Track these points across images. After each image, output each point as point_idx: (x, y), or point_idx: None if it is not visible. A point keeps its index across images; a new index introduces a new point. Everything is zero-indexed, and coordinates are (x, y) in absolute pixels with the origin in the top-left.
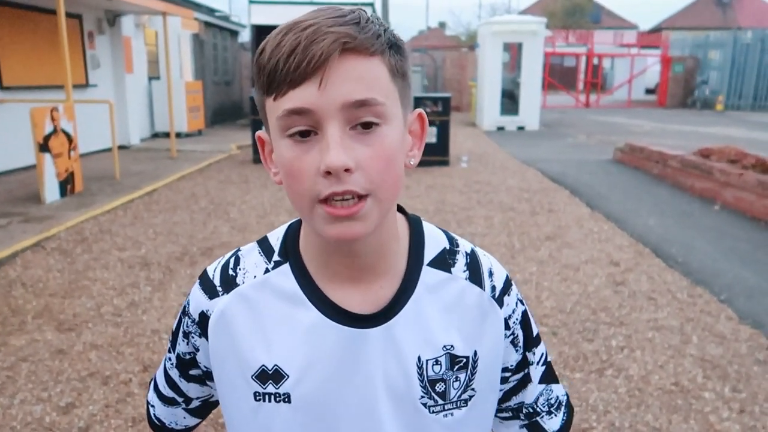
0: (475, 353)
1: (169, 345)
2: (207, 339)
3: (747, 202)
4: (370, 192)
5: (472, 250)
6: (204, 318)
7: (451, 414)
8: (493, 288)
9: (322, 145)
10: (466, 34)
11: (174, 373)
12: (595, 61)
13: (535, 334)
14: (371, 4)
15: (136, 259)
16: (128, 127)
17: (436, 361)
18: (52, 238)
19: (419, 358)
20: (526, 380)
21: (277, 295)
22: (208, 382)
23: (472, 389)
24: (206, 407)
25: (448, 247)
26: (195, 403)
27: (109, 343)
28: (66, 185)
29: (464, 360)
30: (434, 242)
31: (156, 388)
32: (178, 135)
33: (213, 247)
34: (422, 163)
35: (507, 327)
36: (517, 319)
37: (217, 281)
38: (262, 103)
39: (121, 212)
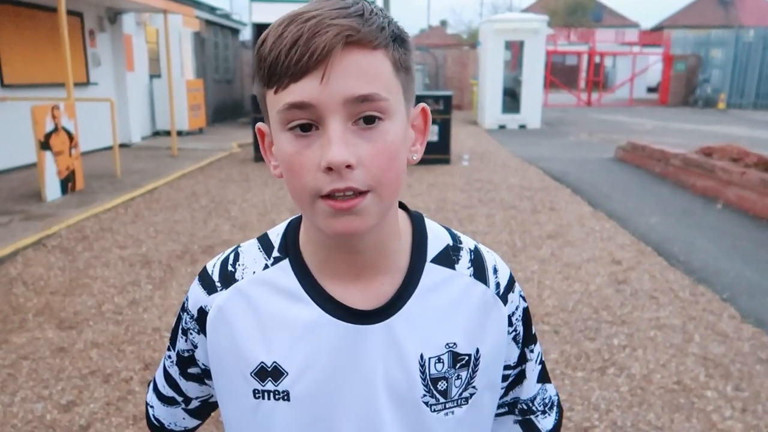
0: (477, 351)
1: (169, 343)
2: (205, 335)
3: (749, 200)
4: (371, 188)
5: (476, 247)
6: (202, 314)
7: (452, 412)
8: (498, 285)
9: (324, 140)
10: (468, 33)
11: (174, 371)
12: (597, 59)
13: (533, 331)
14: (372, 1)
15: (137, 257)
16: (129, 125)
17: (439, 359)
18: (53, 236)
19: (421, 356)
20: (521, 376)
21: (276, 291)
22: (206, 381)
23: (473, 387)
24: (205, 408)
25: (451, 244)
26: (194, 404)
27: (110, 341)
28: (67, 183)
29: (466, 358)
30: (437, 239)
31: (155, 389)
32: (179, 133)
33: (214, 246)
34: (423, 162)
35: (510, 324)
36: (519, 316)
37: (216, 277)
38: (263, 96)
39: (122, 210)
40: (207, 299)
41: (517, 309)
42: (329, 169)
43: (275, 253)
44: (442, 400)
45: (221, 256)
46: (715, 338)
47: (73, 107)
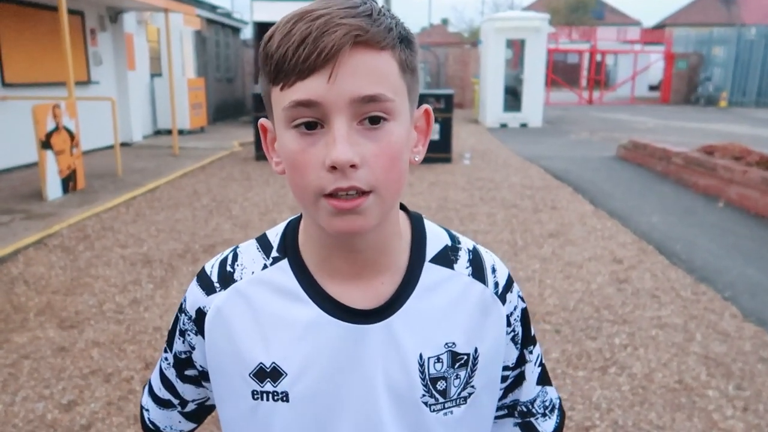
0: (476, 350)
1: (165, 345)
2: (203, 337)
3: (751, 199)
4: (374, 188)
5: (474, 247)
6: (200, 314)
7: (451, 412)
8: (496, 284)
9: (328, 138)
10: (469, 31)
11: (170, 373)
12: (599, 57)
13: (532, 332)
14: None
15: (138, 256)
16: (130, 124)
17: (438, 359)
18: (55, 235)
19: (421, 356)
20: (521, 378)
21: (275, 291)
22: (203, 383)
23: (472, 386)
24: (202, 411)
25: (450, 244)
26: (190, 406)
27: (111, 341)
28: (68, 182)
29: (465, 357)
30: (436, 239)
31: (151, 392)
32: (181, 132)
33: (215, 244)
34: (425, 160)
35: (508, 324)
36: (517, 317)
37: (214, 277)
38: (268, 92)
39: (123, 209)
40: (205, 300)
41: (515, 309)
42: (333, 168)
43: (274, 253)
44: (441, 399)
45: (219, 257)
46: (717, 337)
47: (74, 106)
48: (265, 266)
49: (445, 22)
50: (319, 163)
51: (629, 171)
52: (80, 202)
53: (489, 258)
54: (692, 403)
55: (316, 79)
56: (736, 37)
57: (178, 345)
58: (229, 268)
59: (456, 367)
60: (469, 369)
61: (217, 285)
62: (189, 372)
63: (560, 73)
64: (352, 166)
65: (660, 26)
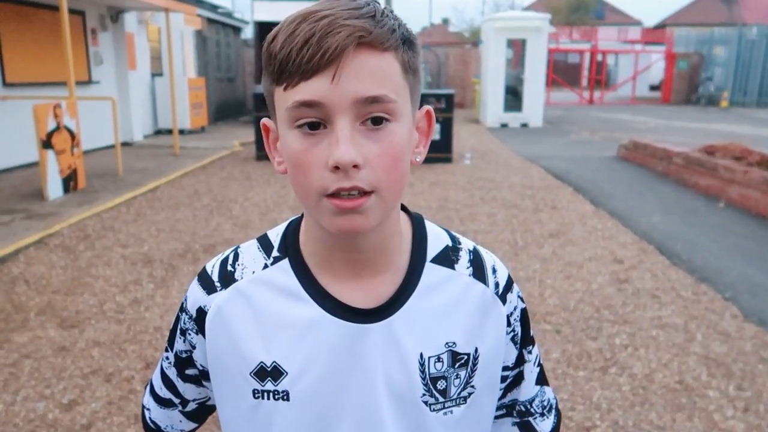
0: (476, 350)
1: (166, 344)
2: (204, 336)
3: (752, 199)
4: (376, 188)
5: (475, 248)
6: (201, 314)
7: (451, 411)
8: (497, 285)
9: (331, 139)
10: (470, 31)
11: (171, 373)
12: (599, 57)
13: (531, 333)
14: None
15: (139, 256)
16: (131, 124)
17: (438, 359)
18: (55, 234)
19: (421, 355)
20: (519, 377)
21: (276, 290)
22: (204, 383)
23: (472, 386)
24: (203, 411)
25: (450, 245)
26: (191, 406)
27: (111, 341)
28: (69, 182)
29: (465, 357)
30: (437, 239)
31: (152, 391)
32: (181, 132)
33: (215, 244)
34: (425, 160)
35: (508, 324)
36: (517, 317)
37: (215, 277)
38: (271, 92)
39: (123, 209)
40: (206, 299)
41: (515, 309)
42: (336, 168)
43: (275, 253)
44: (441, 399)
45: (220, 257)
46: (717, 337)
47: (75, 106)
48: (266, 266)
49: (445, 21)
50: (322, 163)
51: (630, 171)
52: (81, 202)
53: (489, 258)
54: (693, 403)
55: (319, 79)
56: (737, 36)
57: (179, 344)
58: (230, 268)
59: (456, 366)
60: (469, 369)
61: (217, 284)
62: (190, 371)
63: (561, 73)
64: (355, 166)
65: (661, 26)
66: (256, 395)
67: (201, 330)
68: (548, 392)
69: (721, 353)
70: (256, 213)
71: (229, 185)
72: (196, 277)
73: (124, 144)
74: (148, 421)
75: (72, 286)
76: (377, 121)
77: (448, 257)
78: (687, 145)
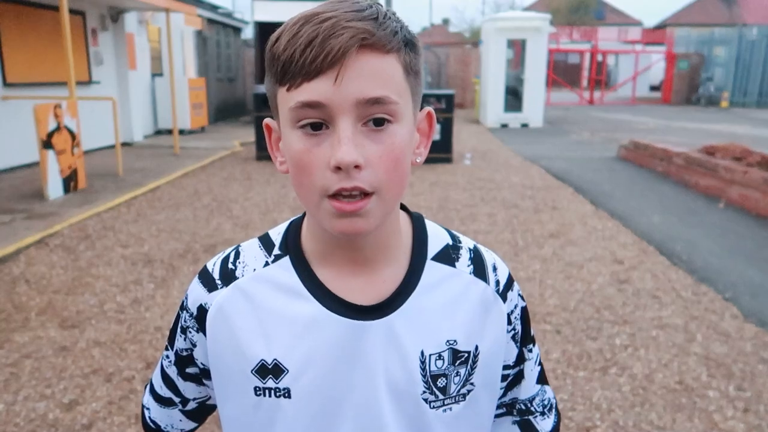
0: (476, 348)
1: (166, 343)
2: (205, 334)
3: (752, 199)
4: (377, 190)
5: (475, 246)
6: (202, 312)
7: (450, 409)
8: (497, 283)
9: (333, 139)
10: (470, 31)
11: (172, 371)
12: (600, 57)
13: (531, 331)
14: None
15: (139, 256)
16: (131, 124)
17: (439, 356)
18: (56, 235)
19: (422, 353)
20: (520, 376)
21: (277, 288)
22: (205, 381)
23: (471, 383)
24: (203, 410)
25: (451, 243)
26: (191, 405)
27: (112, 340)
28: (69, 182)
29: (466, 355)
30: (437, 238)
31: (152, 390)
32: (181, 132)
33: (216, 244)
34: (426, 160)
35: (509, 322)
36: (518, 315)
37: (216, 275)
38: (274, 92)
39: (124, 209)
40: (207, 297)
41: (516, 307)
42: (338, 168)
43: (276, 251)
44: (441, 396)
45: (221, 255)
46: (718, 338)
47: (75, 106)
48: (267, 263)
49: (446, 22)
50: (323, 164)
51: (630, 171)
52: (81, 202)
53: (490, 257)
54: (693, 403)
55: (322, 80)
56: (738, 37)
57: (180, 342)
58: (230, 266)
59: (457, 364)
60: (469, 366)
61: (218, 282)
62: (190, 370)
63: (561, 73)
64: (357, 167)
65: (661, 26)
66: (258, 393)
67: (202, 328)
68: (548, 391)
69: (721, 354)
70: (256, 213)
71: (229, 185)
72: (197, 275)
73: (125, 144)
74: (148, 421)
75: (72, 286)
76: (379, 122)
77: (448, 255)
78: (687, 145)
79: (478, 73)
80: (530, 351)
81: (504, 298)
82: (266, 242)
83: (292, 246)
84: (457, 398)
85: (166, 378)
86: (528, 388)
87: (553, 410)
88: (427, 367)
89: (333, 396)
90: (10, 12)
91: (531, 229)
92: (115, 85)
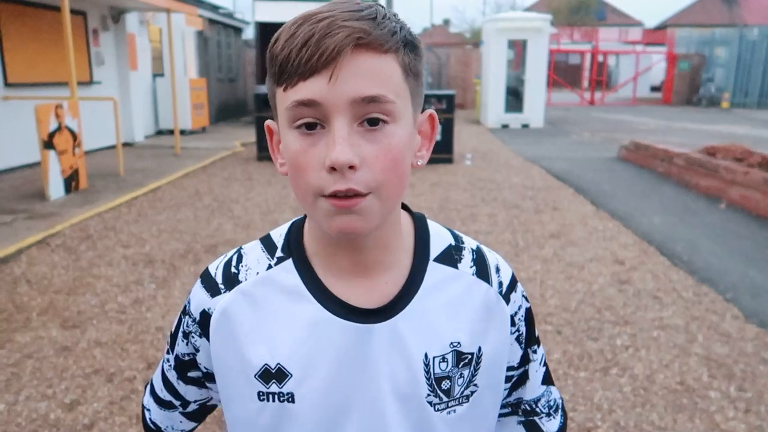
0: (480, 349)
1: (167, 346)
2: (208, 339)
3: (753, 200)
4: (373, 190)
5: (478, 247)
6: (205, 317)
7: (454, 411)
8: (501, 284)
9: (329, 139)
10: (471, 31)
11: (172, 375)
12: (600, 58)
13: (536, 332)
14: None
15: (141, 256)
16: (132, 124)
17: (443, 359)
18: (57, 235)
19: (426, 356)
20: (524, 377)
21: (280, 291)
22: (207, 384)
23: (475, 385)
24: (203, 411)
25: (453, 244)
26: (192, 407)
27: (113, 341)
28: (70, 182)
29: (469, 356)
30: (439, 239)
31: (153, 392)
32: (182, 132)
33: (217, 245)
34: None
35: (512, 324)
36: (522, 316)
37: (219, 279)
38: (273, 93)
39: (125, 209)
40: (210, 302)
41: (519, 309)
42: (333, 168)
43: (278, 253)
44: (445, 399)
45: (224, 258)
46: (719, 338)
47: (76, 106)
48: (270, 266)
49: (446, 22)
50: (319, 164)
51: (631, 172)
52: (82, 202)
53: (493, 258)
54: (694, 404)
55: (317, 79)
56: (738, 37)
57: (181, 347)
58: (233, 270)
59: (460, 366)
60: (472, 368)
61: (221, 287)
62: (192, 373)
63: (562, 73)
64: (351, 167)
65: (662, 27)
66: (261, 397)
67: (205, 333)
68: (554, 392)
69: (722, 354)
70: (257, 213)
71: (230, 185)
72: (199, 280)
73: (126, 144)
74: (149, 422)
75: (74, 286)
76: (373, 122)
77: (451, 256)
78: (688, 146)
79: (478, 74)
80: (534, 352)
81: (507, 300)
82: (268, 244)
83: (294, 248)
84: (460, 400)
85: (166, 381)
86: (533, 389)
87: (560, 411)
88: (431, 369)
89: (337, 400)
90: (11, 12)
91: (532, 230)
92: (116, 86)
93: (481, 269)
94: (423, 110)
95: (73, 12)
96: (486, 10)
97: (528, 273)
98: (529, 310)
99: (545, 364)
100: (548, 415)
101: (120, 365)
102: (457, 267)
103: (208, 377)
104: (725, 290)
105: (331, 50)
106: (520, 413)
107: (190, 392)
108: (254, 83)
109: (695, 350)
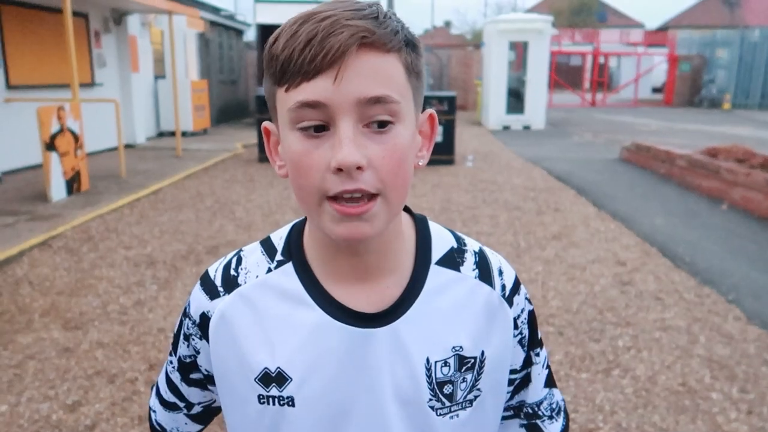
0: (483, 353)
1: (170, 348)
2: (208, 341)
3: (754, 201)
4: (380, 191)
5: (480, 249)
6: (205, 319)
7: (457, 415)
8: (503, 287)
9: (334, 140)
10: (472, 33)
11: (175, 377)
12: (602, 59)
13: (539, 335)
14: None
15: (142, 257)
16: (134, 126)
17: (445, 363)
18: (59, 236)
19: (428, 360)
20: (527, 380)
21: (280, 294)
22: (209, 387)
23: (478, 389)
24: (208, 413)
25: (455, 246)
26: (196, 409)
27: (115, 342)
28: (72, 184)
29: (472, 361)
30: (441, 241)
31: (158, 393)
32: (184, 134)
33: (218, 246)
34: (428, 162)
35: (515, 326)
36: (525, 319)
37: (218, 281)
38: (273, 93)
39: (127, 211)
40: (209, 304)
41: (522, 311)
42: (339, 170)
43: (278, 257)
44: (447, 403)
45: (223, 261)
46: (721, 340)
47: (78, 108)
48: (270, 270)
49: (447, 24)
50: (324, 165)
51: (632, 173)
52: (84, 204)
53: (495, 260)
54: (696, 405)
55: (322, 80)
56: (740, 39)
57: (183, 349)
58: (233, 272)
59: (463, 370)
60: (475, 372)
61: (221, 289)
62: (194, 375)
63: (563, 75)
64: (359, 168)
65: (663, 28)
66: (261, 401)
67: (205, 335)
68: (557, 395)
69: (724, 355)
70: (258, 215)
71: (231, 187)
72: (199, 282)
73: (127, 146)
74: (155, 423)
75: (76, 288)
76: (381, 124)
77: (453, 259)
78: (689, 147)
79: (480, 75)
80: (537, 355)
81: (510, 303)
82: (268, 247)
83: (294, 251)
84: (463, 404)
85: (170, 383)
86: (535, 391)
87: (562, 413)
88: (433, 374)
89: (338, 404)
90: (13, 14)
91: (533, 231)
92: (117, 87)
93: (484, 272)
94: (423, 110)
95: (75, 14)
96: (487, 11)
97: (530, 274)
98: (531, 313)
99: (548, 367)
100: (550, 418)
101: (122, 366)
102: (459, 270)
103: (209, 379)
104: (727, 291)
105: (336, 50)
106: (522, 416)
107: (194, 394)
108: (255, 85)
109: (697, 351)
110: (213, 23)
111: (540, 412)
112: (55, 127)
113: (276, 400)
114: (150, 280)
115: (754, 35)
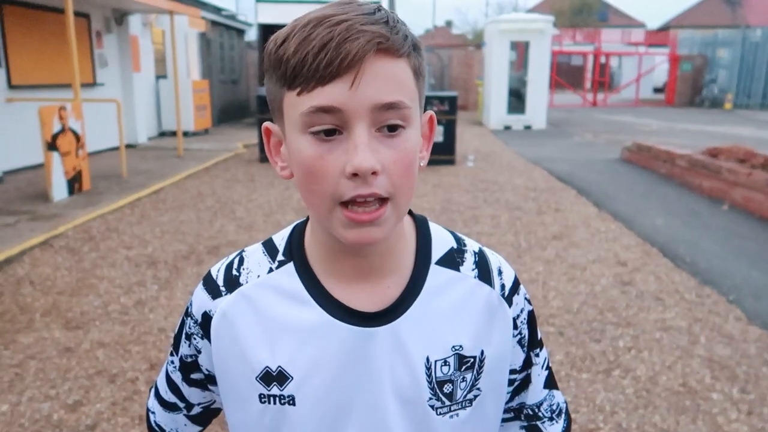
0: (482, 353)
1: (171, 348)
2: (209, 341)
3: (756, 201)
4: (392, 195)
5: (480, 249)
6: (207, 319)
7: (457, 414)
8: (503, 287)
9: (348, 145)
10: (473, 33)
11: (176, 377)
12: (603, 59)
13: (539, 335)
14: (377, 2)
15: (143, 257)
16: (135, 126)
17: (445, 362)
18: (60, 236)
19: (428, 359)
20: (527, 381)
21: (281, 294)
22: (210, 387)
23: (478, 389)
24: (207, 414)
25: (455, 246)
26: (196, 410)
27: (116, 342)
28: (74, 184)
29: (471, 360)
30: (441, 241)
31: (157, 394)
32: (185, 134)
33: (219, 246)
34: (429, 162)
35: (515, 326)
36: (524, 319)
37: (220, 281)
38: (279, 96)
39: (128, 211)
40: (211, 304)
41: (522, 311)
42: (354, 174)
43: (280, 257)
44: (447, 402)
45: (225, 261)
46: (721, 340)
47: (79, 108)
48: (271, 270)
49: (449, 24)
50: (338, 170)
51: (633, 173)
52: (85, 204)
53: (495, 260)
54: (696, 406)
55: (337, 85)
56: (741, 38)
57: (185, 348)
58: (234, 272)
59: (462, 369)
60: (475, 371)
61: (222, 289)
62: (195, 375)
63: (564, 75)
64: (374, 173)
65: (664, 28)
66: (263, 400)
67: (206, 335)
68: (557, 396)
69: (724, 356)
70: (260, 215)
71: (232, 187)
72: (201, 282)
73: (129, 146)
74: (153, 424)
75: (77, 288)
76: (393, 128)
77: (453, 259)
78: (691, 147)
79: (481, 75)
80: (537, 355)
81: (510, 303)
82: (270, 248)
83: (296, 252)
84: (463, 404)
85: (171, 383)
86: (535, 393)
87: (563, 415)
88: (433, 373)
89: (338, 403)
90: (15, 14)
91: (534, 231)
92: (119, 87)
93: (484, 272)
94: (424, 110)
95: (76, 14)
96: (488, 11)
97: (530, 274)
98: (531, 313)
99: (548, 368)
100: (551, 419)
101: (123, 366)
102: (459, 270)
103: (210, 379)
104: (728, 292)
105: (353, 55)
106: (522, 418)
107: (194, 394)
108: (257, 85)
109: (698, 352)
110: (214, 23)
111: (540, 414)
112: (56, 127)
113: (277, 399)
114: (151, 280)
115: (755, 35)
